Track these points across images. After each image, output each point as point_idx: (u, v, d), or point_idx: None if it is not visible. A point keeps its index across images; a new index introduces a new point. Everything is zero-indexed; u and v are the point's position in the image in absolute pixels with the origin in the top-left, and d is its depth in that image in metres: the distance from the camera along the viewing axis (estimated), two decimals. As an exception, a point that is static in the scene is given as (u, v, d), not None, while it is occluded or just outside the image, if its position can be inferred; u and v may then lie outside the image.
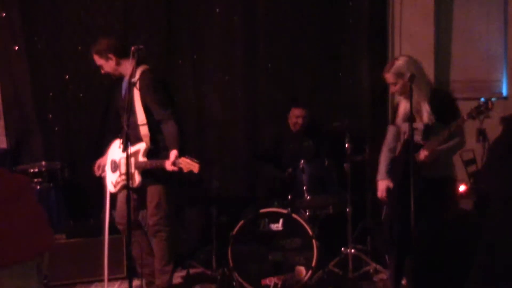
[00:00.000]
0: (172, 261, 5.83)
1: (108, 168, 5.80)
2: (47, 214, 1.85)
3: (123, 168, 5.57)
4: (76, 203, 6.88)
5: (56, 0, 7.13)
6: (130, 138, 5.20)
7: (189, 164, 5.22)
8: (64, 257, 6.08)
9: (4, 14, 7.08)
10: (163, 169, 5.38)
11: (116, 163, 5.70)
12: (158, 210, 5.69)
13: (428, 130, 5.23)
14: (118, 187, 5.66)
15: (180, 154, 5.26)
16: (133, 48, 4.94)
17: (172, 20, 7.26)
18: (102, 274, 5.92)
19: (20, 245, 1.72)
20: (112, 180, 5.73)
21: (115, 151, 5.75)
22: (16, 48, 7.13)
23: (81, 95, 7.21)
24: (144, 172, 5.46)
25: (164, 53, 7.27)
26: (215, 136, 7.38)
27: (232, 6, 7.32)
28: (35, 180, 6.54)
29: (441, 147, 5.17)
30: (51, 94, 7.20)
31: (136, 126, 5.45)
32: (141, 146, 5.48)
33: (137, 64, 5.26)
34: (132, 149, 5.42)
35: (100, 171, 5.91)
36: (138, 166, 5.49)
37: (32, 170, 6.64)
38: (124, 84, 5.57)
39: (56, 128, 7.21)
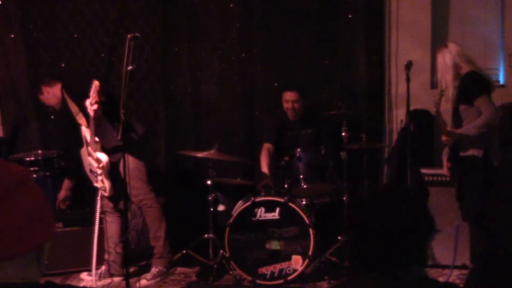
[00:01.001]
0: (163, 225, 6.12)
1: (92, 178, 6.00)
2: (49, 203, 1.86)
3: (95, 163, 5.83)
4: (72, 192, 6.87)
5: (52, -12, 7.11)
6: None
7: (93, 89, 5.42)
8: (61, 245, 6.08)
9: (-1, 3, 7.07)
10: (129, 140, 5.52)
11: (92, 170, 5.93)
12: (136, 182, 5.82)
13: (454, 114, 5.61)
14: (105, 184, 5.86)
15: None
16: (128, 36, 4.95)
17: (168, 7, 7.23)
18: (99, 262, 5.96)
19: (20, 239, 1.73)
20: (101, 187, 5.91)
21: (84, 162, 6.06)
22: (12, 36, 7.12)
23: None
24: (111, 149, 5.75)
25: (160, 40, 7.25)
26: (212, 124, 7.36)
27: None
28: (31, 168, 6.53)
29: (459, 129, 5.50)
30: (47, 82, 7.19)
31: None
32: (84, 130, 5.87)
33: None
34: (86, 140, 5.86)
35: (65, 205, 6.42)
36: (96, 146, 5.76)
37: (28, 159, 6.65)
38: None
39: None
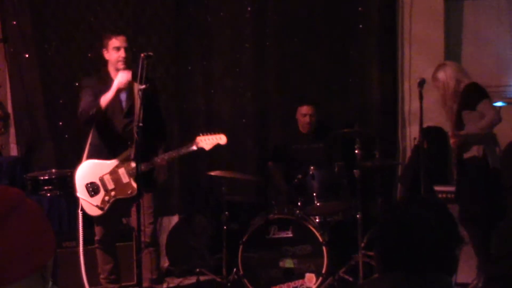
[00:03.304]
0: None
1: (84, 195, 5.66)
2: (48, 220, 1.85)
3: (109, 185, 5.54)
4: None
5: (66, 8, 7.15)
6: (118, 144, 5.50)
7: (213, 139, 5.34)
8: (75, 264, 6.07)
9: (14, 22, 7.11)
10: (157, 175, 5.39)
11: (95, 184, 5.59)
12: (155, 219, 5.70)
13: (457, 120, 5.88)
14: (108, 205, 5.57)
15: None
16: (142, 55, 4.94)
17: (182, 26, 7.27)
18: (115, 281, 5.95)
19: (23, 261, 1.73)
20: (97, 203, 5.61)
21: (87, 174, 5.65)
22: (27, 55, 7.15)
23: (91, 102, 7.23)
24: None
25: (174, 59, 7.28)
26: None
27: (241, 11, 7.31)
28: (45, 187, 6.54)
29: (463, 132, 5.78)
30: (61, 101, 7.21)
31: (130, 129, 5.40)
32: (131, 151, 5.30)
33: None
34: (121, 157, 5.52)
35: None
36: (133, 172, 5.36)
37: (42, 178, 6.65)
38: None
39: (67, 136, 7.22)
